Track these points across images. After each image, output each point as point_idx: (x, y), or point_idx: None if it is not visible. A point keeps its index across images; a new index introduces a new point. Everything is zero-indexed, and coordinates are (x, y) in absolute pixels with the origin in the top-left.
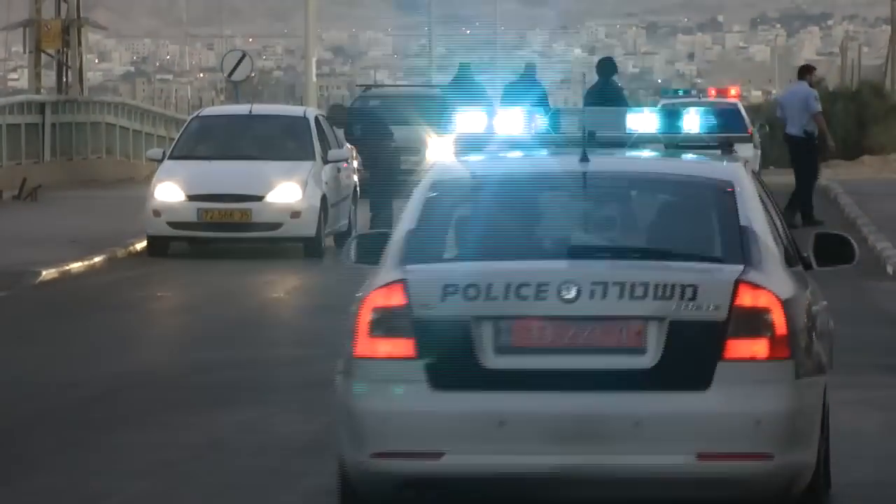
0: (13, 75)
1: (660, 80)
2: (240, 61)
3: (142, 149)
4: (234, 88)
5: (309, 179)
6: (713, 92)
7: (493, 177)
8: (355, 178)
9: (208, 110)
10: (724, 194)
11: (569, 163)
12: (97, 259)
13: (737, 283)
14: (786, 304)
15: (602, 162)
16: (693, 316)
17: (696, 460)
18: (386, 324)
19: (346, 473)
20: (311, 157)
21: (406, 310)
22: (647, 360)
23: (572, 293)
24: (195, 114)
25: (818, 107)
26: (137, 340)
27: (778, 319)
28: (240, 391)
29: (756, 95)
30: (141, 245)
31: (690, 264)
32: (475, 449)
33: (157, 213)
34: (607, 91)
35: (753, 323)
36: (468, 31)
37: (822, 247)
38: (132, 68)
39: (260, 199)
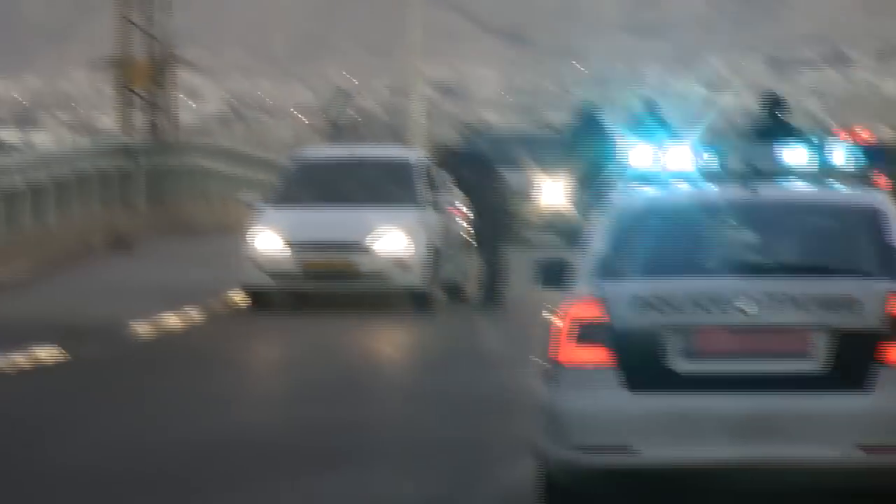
0: (98, 114)
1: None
2: (340, 100)
3: (238, 194)
4: (335, 129)
5: (416, 226)
6: (841, 135)
7: (673, 204)
8: (465, 224)
9: (308, 153)
10: (874, 218)
11: (738, 192)
12: (193, 312)
13: (890, 294)
14: None
15: (767, 192)
16: (854, 324)
17: (862, 453)
18: (586, 333)
19: (548, 468)
20: (418, 202)
21: (604, 321)
22: (815, 365)
23: (750, 306)
24: (294, 157)
25: None
26: (237, 399)
27: None
28: (344, 452)
29: (888, 132)
30: (238, 296)
31: (848, 279)
32: (667, 444)
33: (255, 262)
34: (776, 125)
35: None
36: (582, 68)
37: None
38: (225, 107)
39: (364, 247)
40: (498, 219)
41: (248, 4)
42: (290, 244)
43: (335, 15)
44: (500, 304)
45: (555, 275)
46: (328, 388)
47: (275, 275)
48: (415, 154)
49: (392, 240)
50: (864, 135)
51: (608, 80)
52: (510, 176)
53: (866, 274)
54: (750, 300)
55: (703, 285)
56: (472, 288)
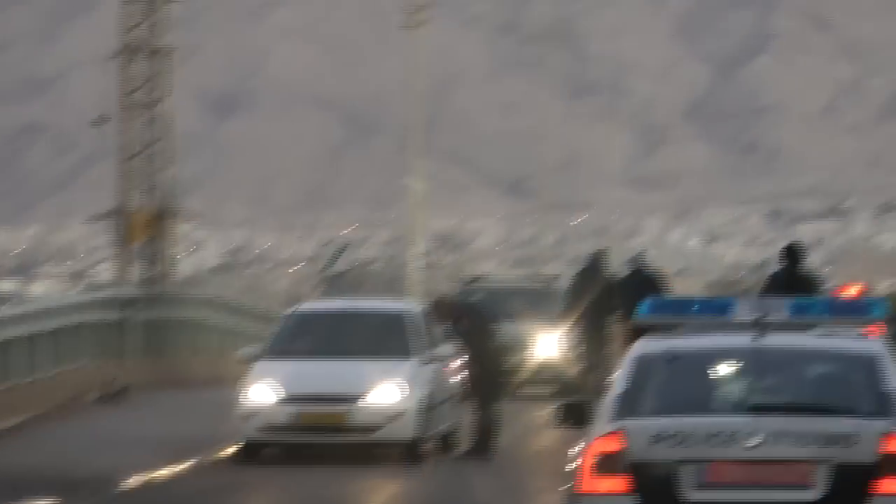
0: (99, 266)
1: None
2: (340, 252)
3: (234, 346)
4: (332, 281)
5: (409, 379)
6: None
7: (687, 350)
8: (460, 376)
9: (305, 306)
10: (871, 365)
11: (746, 340)
12: (185, 465)
13: (885, 434)
14: None
15: (774, 339)
16: (852, 459)
17: None
18: (606, 465)
19: None
20: (412, 354)
21: (623, 454)
22: (815, 495)
23: (754, 441)
24: (290, 310)
25: None
26: None
27: None
28: None
29: (886, 285)
30: (232, 450)
31: (847, 419)
32: None
33: (249, 415)
34: (797, 276)
35: None
36: (580, 220)
37: None
38: (225, 259)
39: (357, 400)
40: (493, 371)
41: (252, 155)
42: (284, 396)
43: (337, 167)
44: (491, 456)
45: (576, 415)
46: None
47: (267, 427)
48: (411, 306)
49: (385, 392)
50: (856, 291)
51: (607, 232)
52: (507, 328)
53: (864, 414)
54: (756, 436)
55: (714, 423)
56: (464, 440)
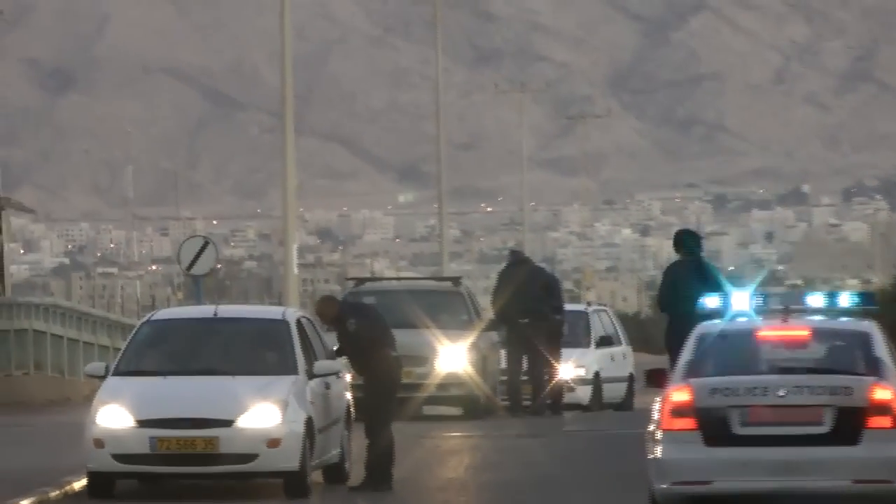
0: None
1: (731, 268)
2: (201, 250)
3: (79, 362)
4: (195, 284)
5: (290, 399)
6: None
7: (734, 329)
8: (348, 395)
9: (162, 313)
10: (865, 339)
11: (778, 322)
12: (24, 503)
13: (872, 385)
14: None
15: (796, 322)
16: (850, 404)
17: (855, 484)
18: (679, 410)
19: (654, 497)
20: (293, 370)
21: (690, 402)
22: (825, 429)
23: (782, 392)
24: (146, 318)
25: None
26: None
27: None
28: None
29: (852, 285)
30: (80, 484)
31: (847, 376)
32: (730, 479)
33: (99, 443)
34: (702, 268)
35: (883, 408)
36: (489, 209)
37: None
38: (67, 260)
39: (229, 424)
40: (386, 387)
41: (95, 136)
42: (140, 421)
43: (197, 151)
44: (388, 488)
45: (655, 379)
46: None
47: (123, 457)
48: (290, 312)
49: (261, 415)
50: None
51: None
52: (404, 336)
53: (860, 373)
54: (783, 389)
55: (753, 380)
56: (356, 470)
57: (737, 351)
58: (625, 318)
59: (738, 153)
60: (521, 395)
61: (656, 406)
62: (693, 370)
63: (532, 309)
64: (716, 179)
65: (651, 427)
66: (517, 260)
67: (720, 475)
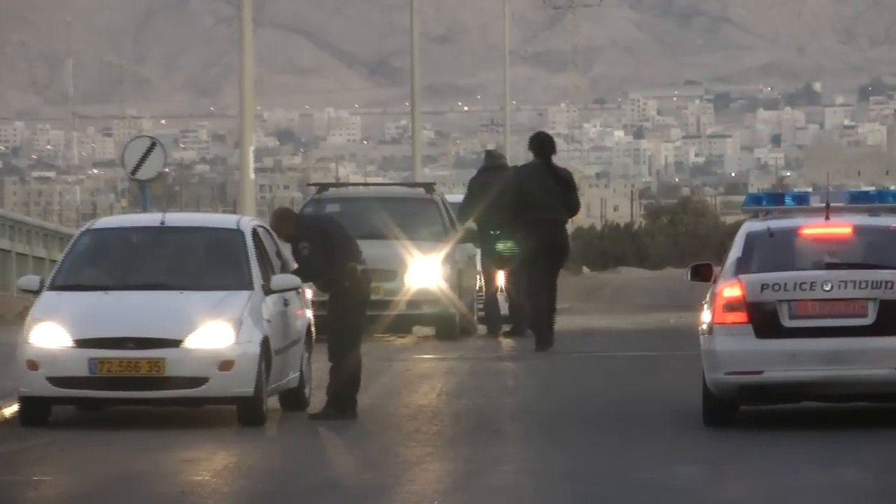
0: None
1: (733, 174)
2: (148, 152)
3: (12, 275)
4: (141, 190)
5: (245, 317)
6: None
7: (780, 227)
8: (309, 313)
9: (104, 221)
10: None
11: (820, 220)
12: None
13: None
14: None
15: (841, 219)
16: (892, 297)
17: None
18: (731, 305)
19: (707, 386)
20: (248, 285)
21: (741, 297)
22: (868, 321)
23: (828, 286)
24: (86, 226)
25: None
26: None
27: None
28: None
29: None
30: (10, 410)
31: (888, 270)
32: (780, 368)
33: (33, 364)
34: (558, 173)
35: None
36: (466, 108)
37: None
38: None
39: (177, 344)
40: (350, 305)
41: (30, 25)
42: (78, 340)
43: (146, 43)
44: (351, 416)
45: (701, 273)
46: None
47: (59, 381)
48: (245, 221)
49: (213, 334)
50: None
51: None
52: (371, 249)
53: None
54: (829, 283)
55: (801, 275)
56: (315, 394)
57: (783, 248)
58: (617, 230)
59: (743, 47)
60: (499, 311)
61: (707, 301)
62: (742, 267)
63: (505, 221)
64: (718, 76)
65: (704, 321)
66: (494, 165)
67: (770, 365)
